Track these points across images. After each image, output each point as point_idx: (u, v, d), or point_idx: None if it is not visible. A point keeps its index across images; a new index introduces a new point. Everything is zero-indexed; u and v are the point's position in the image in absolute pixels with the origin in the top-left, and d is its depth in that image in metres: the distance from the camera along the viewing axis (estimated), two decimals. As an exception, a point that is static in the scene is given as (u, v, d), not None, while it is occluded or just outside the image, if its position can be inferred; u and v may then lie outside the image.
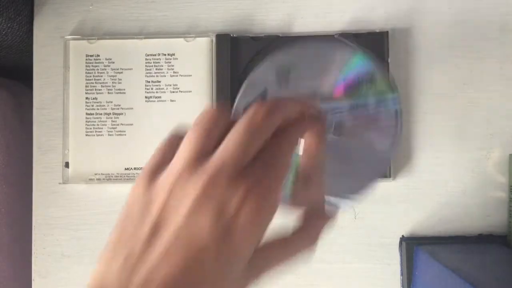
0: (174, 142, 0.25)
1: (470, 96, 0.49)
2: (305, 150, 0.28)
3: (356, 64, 0.32)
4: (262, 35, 0.50)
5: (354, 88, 0.32)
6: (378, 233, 0.49)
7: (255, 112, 0.24)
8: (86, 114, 0.51)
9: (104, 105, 0.51)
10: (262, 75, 0.33)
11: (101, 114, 0.51)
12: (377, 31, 0.49)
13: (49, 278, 0.51)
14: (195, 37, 0.51)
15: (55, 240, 0.51)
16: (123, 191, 0.50)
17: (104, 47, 0.51)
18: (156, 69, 0.51)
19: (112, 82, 0.51)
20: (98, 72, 0.51)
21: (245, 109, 0.29)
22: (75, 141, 0.51)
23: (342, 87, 0.32)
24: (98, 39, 0.51)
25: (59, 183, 0.51)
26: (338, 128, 0.32)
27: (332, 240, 0.49)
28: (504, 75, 0.49)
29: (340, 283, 0.49)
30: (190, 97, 0.51)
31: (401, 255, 0.48)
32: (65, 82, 0.51)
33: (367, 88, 0.32)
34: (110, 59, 0.51)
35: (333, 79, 0.32)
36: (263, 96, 0.32)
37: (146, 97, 0.51)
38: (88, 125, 0.51)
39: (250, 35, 0.50)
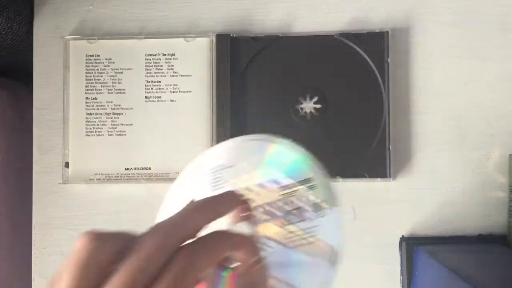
0: (57, 282, 0.22)
1: (470, 96, 0.49)
2: (238, 270, 0.25)
3: (296, 167, 0.29)
4: (262, 35, 0.50)
5: (288, 193, 0.28)
6: (378, 233, 0.49)
7: (143, 245, 0.21)
8: (86, 114, 0.51)
9: (104, 105, 0.51)
10: (192, 179, 0.30)
11: (101, 114, 0.51)
12: (377, 31, 0.49)
13: (49, 278, 0.51)
14: (195, 37, 0.51)
15: (55, 240, 0.51)
16: (123, 191, 0.51)
17: (104, 47, 0.51)
18: (156, 69, 0.51)
19: (112, 82, 0.51)
20: (98, 72, 0.51)
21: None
22: (75, 141, 0.51)
23: (275, 190, 0.28)
24: (98, 39, 0.51)
25: (59, 183, 0.51)
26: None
27: (332, 240, 0.49)
28: (504, 75, 0.49)
29: (340, 283, 0.49)
30: (190, 97, 0.51)
31: (401, 255, 0.48)
32: (65, 82, 0.51)
33: (304, 197, 0.28)
34: (110, 59, 0.51)
35: (268, 182, 0.29)
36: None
37: (146, 97, 0.51)
38: (88, 125, 0.51)
39: (250, 35, 0.50)
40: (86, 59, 0.51)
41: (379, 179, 0.48)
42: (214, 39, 0.50)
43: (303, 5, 0.51)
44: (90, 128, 0.51)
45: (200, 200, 0.25)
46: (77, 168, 0.51)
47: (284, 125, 0.49)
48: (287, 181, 0.29)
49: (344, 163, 0.48)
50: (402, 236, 0.49)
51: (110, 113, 0.51)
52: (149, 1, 0.52)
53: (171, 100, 0.51)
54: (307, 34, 0.50)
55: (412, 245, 0.47)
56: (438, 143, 0.49)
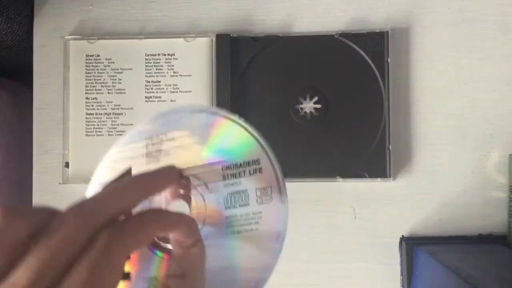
0: None
1: (470, 96, 0.49)
2: (173, 246, 0.23)
3: (243, 146, 0.27)
4: (262, 35, 0.50)
5: (231, 172, 0.26)
6: (378, 233, 0.49)
7: (62, 223, 0.19)
8: (86, 114, 0.51)
9: (104, 105, 0.51)
10: (128, 148, 0.28)
11: (101, 114, 0.51)
12: (377, 31, 0.49)
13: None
14: (195, 37, 0.51)
15: (55, 240, 0.51)
16: (123, 191, 0.51)
17: (104, 47, 0.51)
18: (156, 69, 0.51)
19: (112, 82, 0.51)
20: (98, 72, 0.51)
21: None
22: (75, 141, 0.51)
23: (219, 169, 0.26)
24: (98, 39, 0.51)
25: (59, 183, 0.50)
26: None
27: (332, 240, 0.49)
28: (504, 75, 0.49)
29: (340, 283, 0.49)
30: (190, 97, 0.51)
31: (401, 255, 0.48)
32: (65, 82, 0.51)
33: (249, 180, 0.26)
34: (110, 59, 0.51)
35: (211, 157, 0.27)
36: (127, 175, 0.25)
37: (146, 97, 0.51)
38: (88, 125, 0.51)
39: (250, 35, 0.50)
40: (86, 59, 0.51)
41: (379, 179, 0.48)
42: (214, 39, 0.50)
43: (303, 5, 0.51)
44: (90, 128, 0.51)
45: (135, 175, 0.23)
46: (77, 168, 0.51)
47: (284, 125, 0.49)
48: (232, 160, 0.27)
49: (344, 163, 0.48)
50: (402, 236, 0.49)
51: (110, 113, 0.51)
52: (149, 1, 0.52)
53: (171, 100, 0.51)
54: (307, 34, 0.50)
55: (412, 245, 0.47)
56: (438, 143, 0.49)
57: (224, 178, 0.26)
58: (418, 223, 0.49)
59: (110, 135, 0.51)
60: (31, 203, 0.52)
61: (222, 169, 0.26)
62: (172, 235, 0.23)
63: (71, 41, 0.51)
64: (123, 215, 0.22)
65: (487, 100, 0.49)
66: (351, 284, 0.49)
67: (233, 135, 0.27)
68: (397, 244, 0.49)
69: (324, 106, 0.49)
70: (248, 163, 0.26)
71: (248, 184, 0.26)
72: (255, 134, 0.27)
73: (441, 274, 0.40)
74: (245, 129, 0.28)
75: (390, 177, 0.47)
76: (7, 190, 0.55)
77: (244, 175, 0.26)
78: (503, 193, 0.48)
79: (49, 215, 0.20)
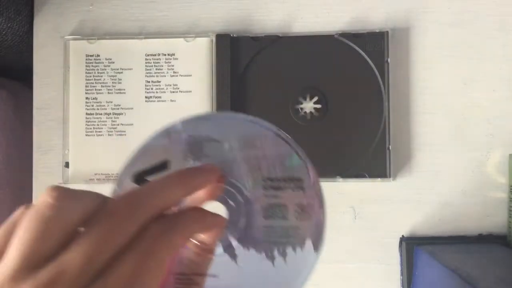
0: (10, 232, 0.20)
1: (470, 96, 0.49)
2: (191, 247, 0.23)
3: (289, 161, 0.27)
4: (262, 35, 0.50)
5: (272, 184, 0.26)
6: (378, 233, 0.49)
7: (114, 210, 0.19)
8: (86, 114, 0.51)
9: (104, 105, 0.51)
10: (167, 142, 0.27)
11: (101, 114, 0.51)
12: (377, 31, 0.49)
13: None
14: (195, 37, 0.51)
15: (55, 240, 0.51)
16: (123, 191, 0.51)
17: (104, 47, 0.51)
18: (156, 69, 0.51)
19: (112, 82, 0.51)
20: (98, 72, 0.51)
21: (138, 178, 0.24)
22: (75, 141, 0.51)
23: (263, 181, 0.26)
24: (98, 39, 0.51)
25: (59, 183, 0.50)
26: (244, 231, 0.26)
27: (332, 240, 0.49)
28: (504, 75, 0.49)
29: (340, 283, 0.49)
30: (190, 97, 0.51)
31: (401, 255, 0.48)
32: (65, 82, 0.51)
33: (290, 196, 0.26)
34: (110, 59, 0.51)
35: (255, 169, 0.26)
36: (161, 168, 0.25)
37: (146, 97, 0.51)
38: (88, 125, 0.51)
39: (250, 35, 0.50)
40: (86, 59, 0.51)
41: (379, 179, 0.48)
42: (214, 39, 0.50)
43: (303, 5, 0.51)
44: (90, 128, 0.51)
45: (180, 171, 0.23)
46: (77, 168, 0.51)
47: (284, 125, 0.49)
48: (275, 173, 0.26)
49: (344, 163, 0.48)
50: (402, 236, 0.49)
51: (110, 113, 0.51)
52: (149, 1, 0.52)
53: (171, 100, 0.51)
54: (307, 34, 0.50)
55: (412, 245, 0.47)
56: (438, 143, 0.49)
57: (264, 188, 0.26)
58: (418, 223, 0.49)
59: (110, 135, 0.51)
60: (31, 203, 0.51)
61: (263, 179, 0.26)
62: (202, 235, 0.23)
63: (71, 41, 0.51)
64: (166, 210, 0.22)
65: (487, 100, 0.49)
66: (351, 284, 0.49)
67: (281, 150, 0.27)
68: (397, 244, 0.49)
69: (324, 106, 0.49)
70: (291, 179, 0.26)
71: (287, 199, 0.26)
72: (301, 149, 0.27)
73: (441, 274, 0.40)
74: (292, 144, 0.27)
75: (390, 177, 0.47)
76: (7, 190, 0.55)
77: (285, 189, 0.26)
78: (503, 193, 0.48)
79: (102, 201, 0.20)
